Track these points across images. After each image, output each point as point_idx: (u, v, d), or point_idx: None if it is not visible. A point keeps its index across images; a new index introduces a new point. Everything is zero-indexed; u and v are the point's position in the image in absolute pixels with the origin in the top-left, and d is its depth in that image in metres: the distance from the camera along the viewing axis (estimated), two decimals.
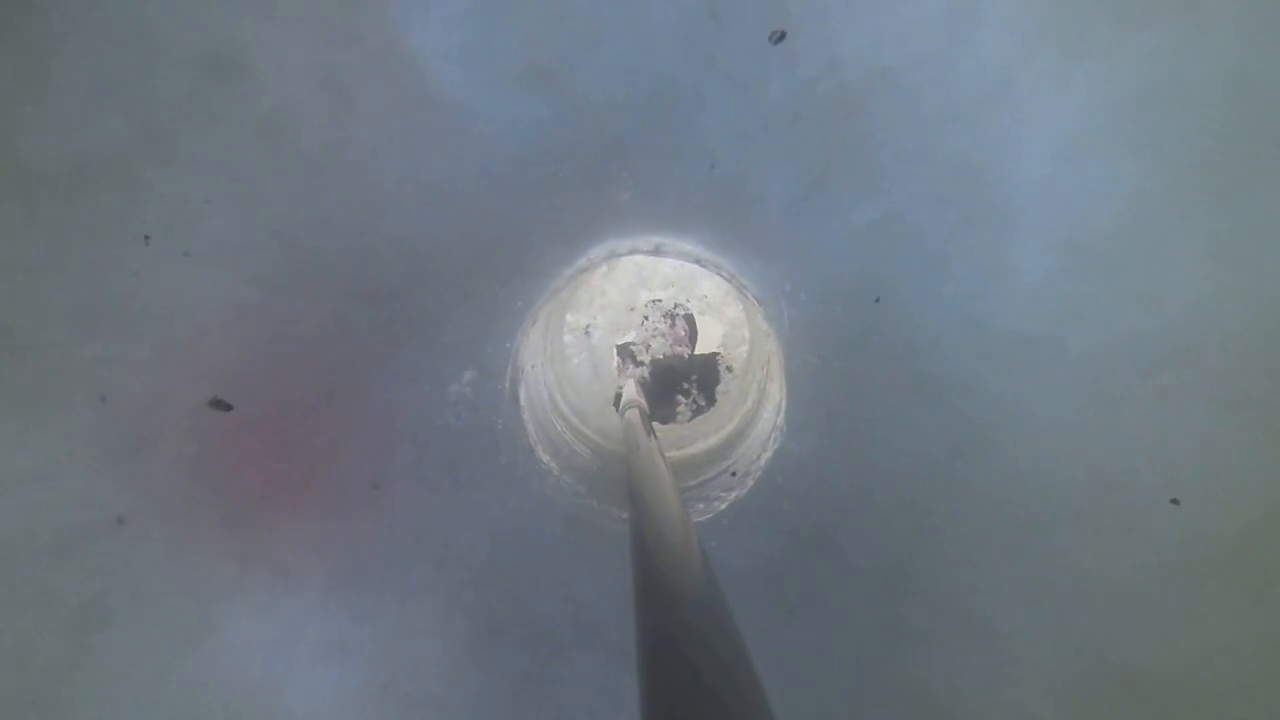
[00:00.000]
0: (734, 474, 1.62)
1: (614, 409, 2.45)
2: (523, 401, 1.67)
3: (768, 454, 1.62)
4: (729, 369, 2.41)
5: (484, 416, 1.56)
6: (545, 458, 1.67)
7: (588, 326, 2.34)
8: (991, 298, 1.20)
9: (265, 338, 1.31)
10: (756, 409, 1.97)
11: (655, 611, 0.71)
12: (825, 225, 1.27)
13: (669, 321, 2.44)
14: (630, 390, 2.35)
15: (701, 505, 1.69)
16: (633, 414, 2.17)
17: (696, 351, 2.54)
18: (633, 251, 1.56)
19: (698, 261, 1.55)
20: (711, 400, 2.43)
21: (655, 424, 2.39)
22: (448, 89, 1.14)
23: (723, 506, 1.62)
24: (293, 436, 1.39)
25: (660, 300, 2.43)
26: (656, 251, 1.55)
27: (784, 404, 1.61)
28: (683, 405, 2.39)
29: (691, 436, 2.20)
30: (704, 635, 0.65)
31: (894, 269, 1.27)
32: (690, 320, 2.58)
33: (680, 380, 2.44)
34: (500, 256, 1.37)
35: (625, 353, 2.43)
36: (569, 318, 2.28)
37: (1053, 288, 1.16)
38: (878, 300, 1.31)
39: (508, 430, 1.61)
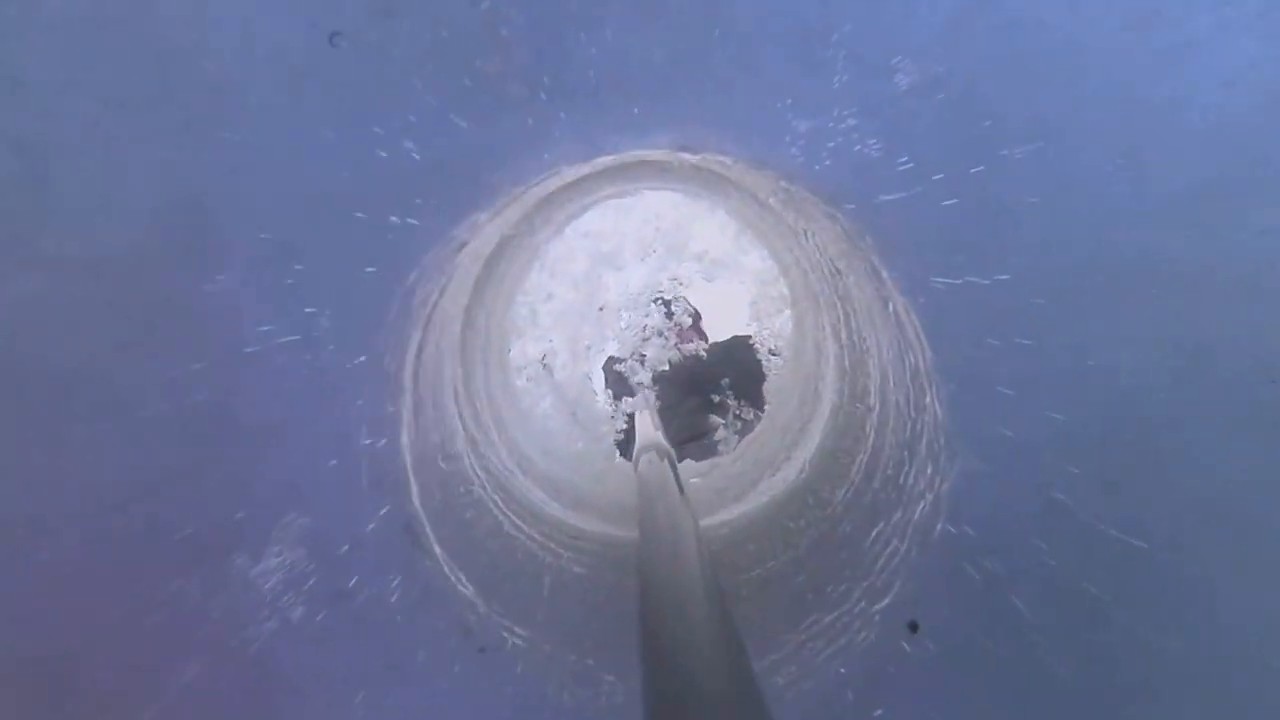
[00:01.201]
0: (915, 627, 0.78)
1: (624, 461, 1.63)
2: (429, 529, 0.86)
3: (938, 487, 0.79)
4: (773, 352, 1.58)
5: (353, 599, 0.74)
6: (503, 623, 0.85)
7: (544, 356, 1.52)
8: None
9: None
10: (848, 403, 1.15)
11: None
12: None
13: (663, 309, 1.61)
14: (645, 426, 1.54)
15: (823, 645, 0.85)
16: (648, 462, 1.35)
17: (714, 338, 1.72)
18: (543, 178, 0.76)
19: (685, 150, 0.75)
20: (759, 405, 1.60)
21: (691, 465, 1.57)
22: None
23: (864, 638, 0.78)
24: None
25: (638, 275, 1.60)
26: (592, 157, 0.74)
27: (932, 383, 0.79)
28: (721, 428, 1.56)
29: (752, 474, 1.37)
30: None
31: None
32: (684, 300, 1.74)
33: (707, 390, 1.61)
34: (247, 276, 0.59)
35: (613, 375, 1.60)
36: (513, 351, 1.46)
37: None
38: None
39: (413, 598, 0.80)
